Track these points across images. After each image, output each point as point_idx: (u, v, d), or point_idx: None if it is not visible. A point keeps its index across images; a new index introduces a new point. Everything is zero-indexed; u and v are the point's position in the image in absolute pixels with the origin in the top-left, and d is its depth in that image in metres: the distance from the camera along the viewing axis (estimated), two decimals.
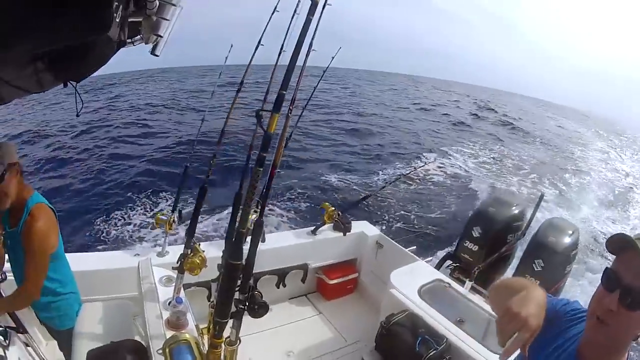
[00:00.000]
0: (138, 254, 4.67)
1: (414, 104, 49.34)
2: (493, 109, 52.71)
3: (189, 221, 3.78)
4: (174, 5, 2.08)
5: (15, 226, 3.03)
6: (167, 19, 2.30)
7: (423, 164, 16.80)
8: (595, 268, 11.38)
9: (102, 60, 1.94)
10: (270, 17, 3.99)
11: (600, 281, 1.62)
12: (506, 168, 22.21)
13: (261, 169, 2.32)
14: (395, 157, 20.47)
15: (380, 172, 17.45)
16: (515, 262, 5.99)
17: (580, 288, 10.02)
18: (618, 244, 1.57)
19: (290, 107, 2.75)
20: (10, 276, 3.29)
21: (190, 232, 3.72)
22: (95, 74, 2.04)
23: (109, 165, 16.09)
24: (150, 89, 48.58)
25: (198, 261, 3.52)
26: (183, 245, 3.61)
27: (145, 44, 2.64)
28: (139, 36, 2.55)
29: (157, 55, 2.86)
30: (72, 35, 1.36)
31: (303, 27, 2.34)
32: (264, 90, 3.77)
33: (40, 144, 19.06)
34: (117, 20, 1.60)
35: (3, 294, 3.24)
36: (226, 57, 4.79)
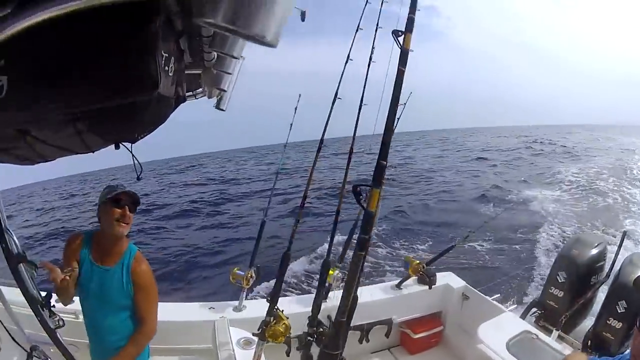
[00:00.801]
0: (213, 308, 4.66)
1: (478, 158, 48.00)
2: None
3: (265, 281, 3.75)
4: (235, 58, 1.97)
5: (109, 264, 3.15)
6: (228, 73, 2.22)
7: (502, 210, 16.44)
8: None
9: (158, 120, 1.84)
10: (345, 66, 3.92)
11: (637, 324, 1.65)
12: (588, 208, 21.40)
13: (363, 254, 2.22)
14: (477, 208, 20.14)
15: (461, 223, 17.17)
16: (597, 306, 5.66)
17: None
18: None
19: (385, 177, 2.47)
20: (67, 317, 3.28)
21: (273, 298, 3.69)
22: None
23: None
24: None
25: (282, 329, 3.52)
26: (262, 303, 3.57)
27: (209, 98, 2.60)
28: (200, 89, 2.49)
29: (222, 110, 2.82)
30: (110, 95, 1.27)
31: (397, 79, 2.23)
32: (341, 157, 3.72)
33: None
34: (170, 74, 1.53)
35: (61, 340, 3.19)
36: (295, 108, 4.77)
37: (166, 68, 1.44)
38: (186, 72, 1.96)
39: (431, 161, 46.07)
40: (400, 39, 2.34)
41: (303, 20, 1.94)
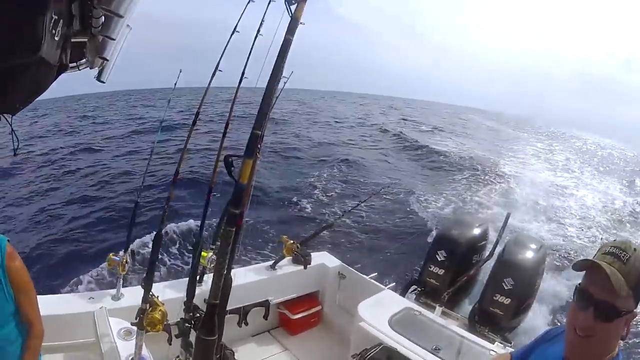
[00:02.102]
0: (92, 298, 4.42)
1: (336, 121, 48.96)
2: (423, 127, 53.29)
3: (138, 265, 3.59)
4: (121, 16, 1.79)
5: None
6: (113, 39, 2.06)
7: (378, 190, 16.74)
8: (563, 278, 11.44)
9: (39, 87, 1.63)
10: (230, 39, 3.81)
11: (572, 298, 1.76)
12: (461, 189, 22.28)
13: (233, 230, 2.09)
14: (351, 187, 20.29)
15: (336, 203, 17.26)
16: (481, 283, 5.94)
17: (554, 297, 10.11)
18: (583, 265, 1.69)
19: (259, 146, 2.40)
20: None
21: (148, 284, 3.53)
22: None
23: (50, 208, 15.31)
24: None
25: (158, 317, 3.39)
26: (139, 290, 3.42)
27: (91, 68, 2.39)
28: (84, 59, 2.28)
29: (103, 82, 2.60)
30: None
31: (281, 48, 2.13)
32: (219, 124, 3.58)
33: None
34: (57, 38, 1.34)
35: None
36: (175, 83, 4.59)
37: (53, 31, 1.27)
38: (73, 40, 1.77)
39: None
40: (293, 7, 2.26)
41: None
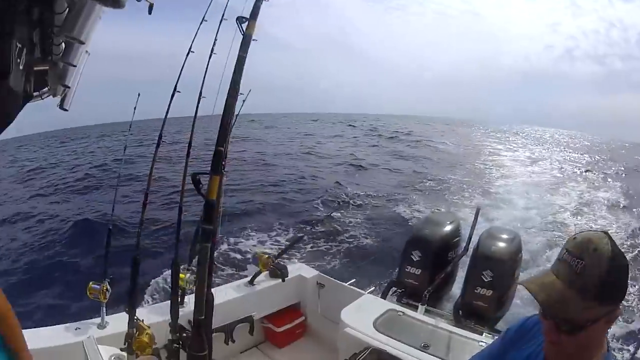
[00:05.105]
0: (79, 328, 4.37)
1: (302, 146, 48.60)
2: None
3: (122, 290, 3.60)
4: (82, 43, 1.80)
5: None
6: (74, 65, 2.06)
7: (347, 200, 16.85)
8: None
9: (7, 118, 1.62)
10: (186, 59, 3.83)
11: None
12: (424, 187, 22.85)
13: (208, 245, 2.12)
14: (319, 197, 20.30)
15: (306, 212, 17.31)
16: (461, 278, 6.09)
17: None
18: (524, 286, 1.60)
19: (223, 163, 2.40)
20: None
21: (131, 309, 3.60)
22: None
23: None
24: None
25: (146, 340, 3.39)
26: (122, 315, 3.43)
27: (53, 96, 2.39)
28: (46, 88, 2.29)
29: (66, 110, 2.60)
30: None
31: (237, 65, 2.18)
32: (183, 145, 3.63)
33: None
34: (21, 67, 1.35)
35: None
36: (134, 108, 4.61)
37: (18, 60, 1.27)
38: (35, 68, 1.78)
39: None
40: (244, 25, 2.39)
41: (150, 13, 1.84)
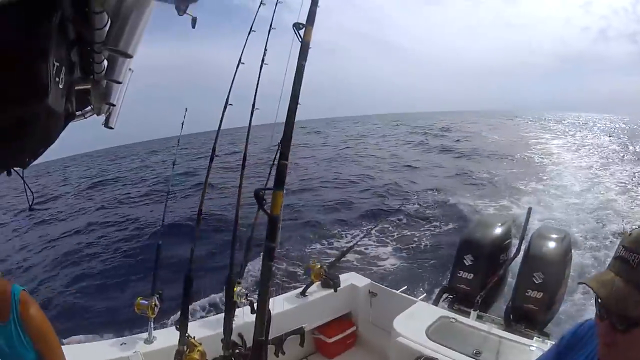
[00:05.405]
0: (124, 343, 4.41)
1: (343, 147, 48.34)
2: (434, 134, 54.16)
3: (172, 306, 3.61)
4: (130, 56, 1.76)
5: (4, 320, 2.71)
6: (119, 82, 2.01)
7: (398, 207, 16.72)
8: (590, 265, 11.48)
9: (48, 140, 1.61)
10: (236, 71, 3.81)
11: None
12: (477, 183, 22.81)
13: (272, 264, 2.08)
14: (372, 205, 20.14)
15: (360, 223, 17.07)
16: (512, 281, 5.97)
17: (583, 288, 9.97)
18: (585, 284, 1.55)
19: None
20: None
21: (182, 326, 3.61)
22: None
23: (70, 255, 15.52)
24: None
25: (197, 357, 3.40)
26: (171, 331, 3.42)
27: (97, 115, 2.38)
28: (89, 107, 2.28)
29: (111, 128, 2.59)
30: None
31: (296, 75, 2.12)
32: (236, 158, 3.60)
33: None
34: (61, 86, 1.33)
35: None
36: (182, 123, 4.60)
37: (57, 79, 1.25)
38: (76, 87, 1.76)
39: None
40: (301, 32, 2.28)
41: (193, 27, 1.80)
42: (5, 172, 1.63)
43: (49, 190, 35.03)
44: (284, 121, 2.25)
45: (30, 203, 1.99)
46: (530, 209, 6.19)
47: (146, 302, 4.31)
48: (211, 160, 4.13)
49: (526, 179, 22.55)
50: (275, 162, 2.25)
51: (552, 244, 5.70)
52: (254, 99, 3.74)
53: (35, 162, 1.66)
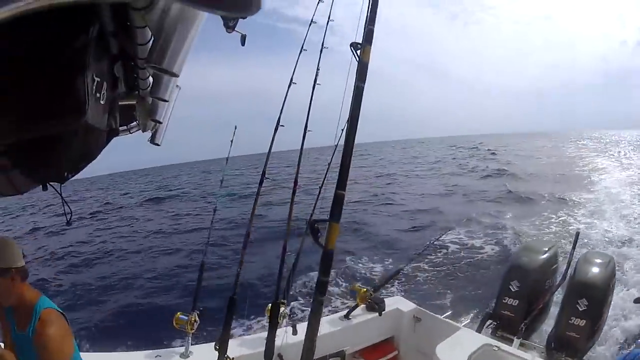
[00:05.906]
0: (159, 356, 4.47)
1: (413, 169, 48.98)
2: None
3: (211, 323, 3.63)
4: (176, 75, 1.71)
5: (23, 330, 2.76)
6: (166, 100, 1.98)
7: (447, 231, 16.57)
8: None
9: (88, 156, 1.60)
10: (288, 91, 3.79)
11: None
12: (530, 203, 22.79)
13: (322, 299, 2.03)
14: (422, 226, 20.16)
15: (409, 241, 17.16)
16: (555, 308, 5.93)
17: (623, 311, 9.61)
18: None
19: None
20: None
21: (222, 346, 3.66)
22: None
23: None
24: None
25: None
26: (209, 348, 3.46)
27: (143, 131, 2.37)
28: (134, 123, 2.27)
29: (157, 145, 2.58)
30: (30, 123, 1.05)
31: (355, 97, 2.03)
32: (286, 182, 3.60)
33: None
34: (102, 102, 1.32)
35: None
36: (231, 141, 4.63)
37: (97, 95, 1.23)
38: (120, 103, 1.75)
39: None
40: (359, 52, 2.15)
41: (243, 44, 1.77)
42: (41, 187, 1.63)
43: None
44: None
45: (69, 218, 1.99)
46: (578, 233, 6.14)
47: (185, 318, 4.35)
48: (261, 183, 4.14)
49: (576, 196, 22.57)
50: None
51: (596, 269, 5.64)
52: (306, 120, 3.71)
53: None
